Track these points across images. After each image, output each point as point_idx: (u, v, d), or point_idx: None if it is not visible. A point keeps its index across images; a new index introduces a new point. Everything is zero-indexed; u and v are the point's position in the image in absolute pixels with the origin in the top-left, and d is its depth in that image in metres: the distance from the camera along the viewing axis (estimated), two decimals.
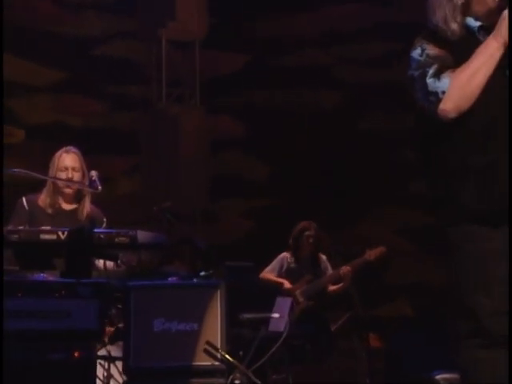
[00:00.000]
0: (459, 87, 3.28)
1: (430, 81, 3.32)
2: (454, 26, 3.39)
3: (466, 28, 3.43)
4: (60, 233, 4.89)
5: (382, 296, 9.68)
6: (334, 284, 7.95)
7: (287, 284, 7.82)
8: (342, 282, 7.84)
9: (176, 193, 9.08)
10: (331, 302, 8.03)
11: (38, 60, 9.96)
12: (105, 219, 5.79)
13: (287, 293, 7.76)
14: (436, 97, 3.31)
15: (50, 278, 4.74)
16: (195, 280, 5.42)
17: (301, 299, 7.78)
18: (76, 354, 4.53)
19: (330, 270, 7.97)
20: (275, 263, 8.01)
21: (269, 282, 7.81)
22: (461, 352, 3.47)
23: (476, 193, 3.36)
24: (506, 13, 3.28)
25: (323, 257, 8.05)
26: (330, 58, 10.37)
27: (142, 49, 10.15)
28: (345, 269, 7.76)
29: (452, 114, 3.31)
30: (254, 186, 10.42)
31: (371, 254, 7.78)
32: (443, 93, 3.29)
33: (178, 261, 7.53)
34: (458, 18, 3.39)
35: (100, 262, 5.28)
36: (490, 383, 3.39)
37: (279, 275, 7.92)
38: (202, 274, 5.74)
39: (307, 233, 7.96)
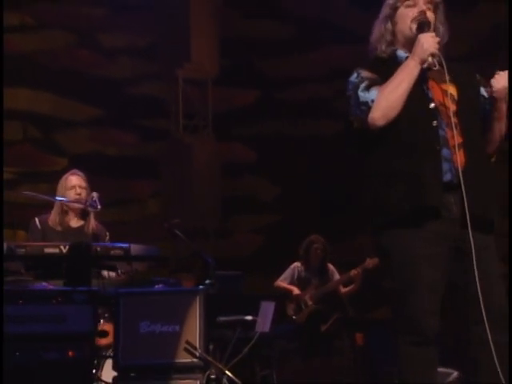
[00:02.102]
0: (385, 97, 3.29)
1: (361, 93, 3.35)
2: (383, 45, 3.47)
3: (396, 57, 3.47)
4: (62, 247, 4.81)
5: (379, 300, 9.50)
6: (345, 286, 7.84)
7: (296, 291, 7.79)
8: (352, 284, 7.78)
9: (191, 212, 9.08)
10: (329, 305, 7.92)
11: (79, 98, 10.00)
12: (107, 234, 5.70)
13: (297, 298, 7.71)
14: (366, 106, 3.32)
15: (49, 287, 4.69)
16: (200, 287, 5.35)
17: (310, 303, 7.72)
18: (70, 354, 4.46)
19: (337, 276, 7.88)
20: (288, 272, 7.96)
21: (281, 290, 7.76)
22: (397, 348, 3.35)
23: (402, 196, 3.26)
24: (420, 36, 3.35)
25: (331, 266, 7.97)
26: (331, 92, 10.25)
27: (163, 87, 10.14)
28: (355, 271, 7.67)
29: (380, 122, 3.30)
30: (263, 205, 10.35)
31: (370, 263, 7.67)
32: (372, 101, 3.30)
33: (186, 272, 7.45)
34: (388, 38, 3.47)
35: (104, 273, 5.24)
36: (419, 378, 3.27)
37: (291, 283, 7.88)
38: (207, 282, 5.70)
39: (315, 245, 7.93)
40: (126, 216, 9.99)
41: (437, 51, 3.33)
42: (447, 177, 3.26)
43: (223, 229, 10.00)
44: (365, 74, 3.40)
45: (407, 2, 3.43)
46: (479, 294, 3.12)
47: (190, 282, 7.06)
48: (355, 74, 3.42)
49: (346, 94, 3.43)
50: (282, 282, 7.88)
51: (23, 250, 4.76)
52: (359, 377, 6.94)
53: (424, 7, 3.41)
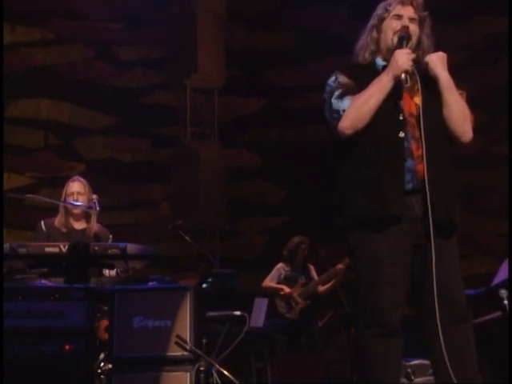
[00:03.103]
0: (355, 109, 3.24)
1: (334, 101, 3.32)
2: (367, 53, 3.43)
3: (374, 64, 3.44)
4: (62, 246, 4.79)
5: None
6: (323, 285, 7.72)
7: (286, 289, 7.67)
8: (333, 280, 7.59)
9: (199, 214, 9.06)
10: (325, 301, 7.82)
11: (95, 107, 10.02)
12: (110, 237, 5.66)
13: (287, 296, 7.62)
14: (338, 114, 3.29)
15: (48, 284, 4.68)
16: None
17: (299, 300, 7.62)
18: (67, 348, 4.44)
19: (315, 276, 7.79)
20: (274, 273, 7.83)
21: (270, 289, 7.64)
22: (359, 341, 3.33)
23: (367, 203, 3.24)
24: (396, 52, 3.30)
25: (310, 266, 7.88)
26: None
27: (173, 96, 10.16)
28: (340, 266, 7.55)
29: (349, 131, 3.26)
30: (268, 207, 10.30)
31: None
32: (343, 111, 3.26)
33: (190, 271, 7.43)
34: (372, 47, 3.43)
35: (106, 272, 5.21)
36: (380, 368, 3.24)
37: (278, 282, 7.77)
38: (209, 280, 5.69)
39: (303, 246, 7.82)
40: (139, 218, 10.01)
41: (410, 68, 3.28)
42: (409, 186, 3.24)
43: (229, 230, 9.97)
44: (342, 79, 3.36)
45: (393, 15, 3.40)
46: (434, 288, 3.08)
47: (194, 280, 7.02)
48: (333, 78, 3.39)
49: (323, 96, 3.41)
50: (270, 282, 7.76)
51: (24, 250, 4.75)
52: (354, 371, 6.86)
53: (407, 22, 3.38)
